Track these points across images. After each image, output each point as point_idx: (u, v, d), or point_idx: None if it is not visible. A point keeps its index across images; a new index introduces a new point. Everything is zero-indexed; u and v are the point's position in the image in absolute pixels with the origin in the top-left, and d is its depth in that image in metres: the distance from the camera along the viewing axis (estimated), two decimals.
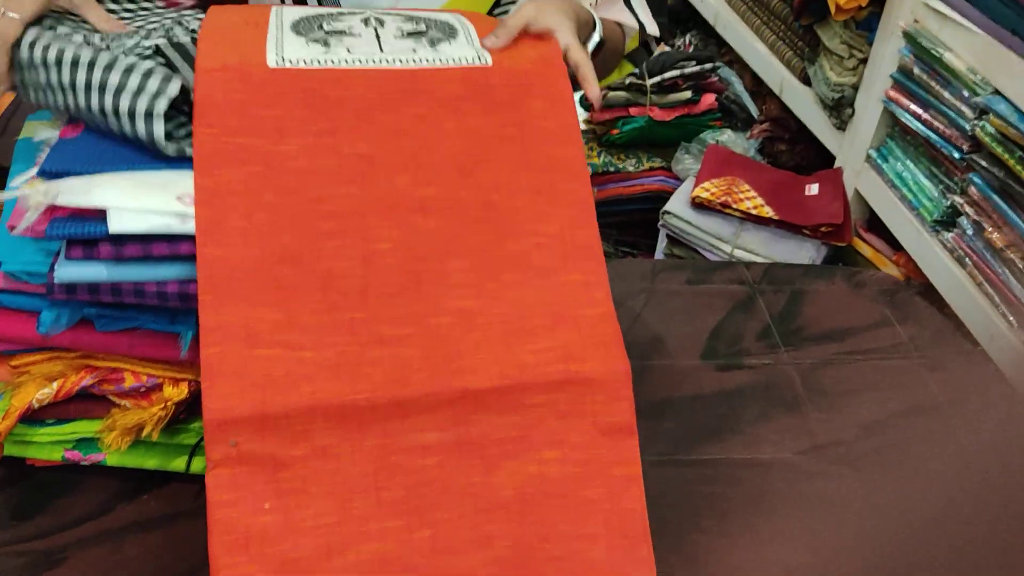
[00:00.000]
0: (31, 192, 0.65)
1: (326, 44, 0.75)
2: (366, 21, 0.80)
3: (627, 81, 2.01)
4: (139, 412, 0.74)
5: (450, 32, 0.79)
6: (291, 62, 0.72)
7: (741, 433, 0.89)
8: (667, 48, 2.57)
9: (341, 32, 0.77)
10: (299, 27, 0.77)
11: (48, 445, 0.77)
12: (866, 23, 1.72)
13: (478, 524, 0.67)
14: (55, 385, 0.73)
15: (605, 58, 0.97)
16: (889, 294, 1.12)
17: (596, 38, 0.86)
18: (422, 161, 0.72)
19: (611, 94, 2.03)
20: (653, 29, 1.01)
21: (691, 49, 2.56)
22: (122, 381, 0.74)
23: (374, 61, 0.75)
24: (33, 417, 0.74)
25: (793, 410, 0.93)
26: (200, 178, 0.66)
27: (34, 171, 0.71)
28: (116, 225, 0.64)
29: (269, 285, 0.67)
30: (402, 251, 0.70)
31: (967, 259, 1.44)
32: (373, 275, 0.69)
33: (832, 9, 1.69)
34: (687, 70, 2.02)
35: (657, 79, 2.01)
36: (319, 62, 0.73)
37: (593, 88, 0.79)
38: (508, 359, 0.69)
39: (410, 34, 0.78)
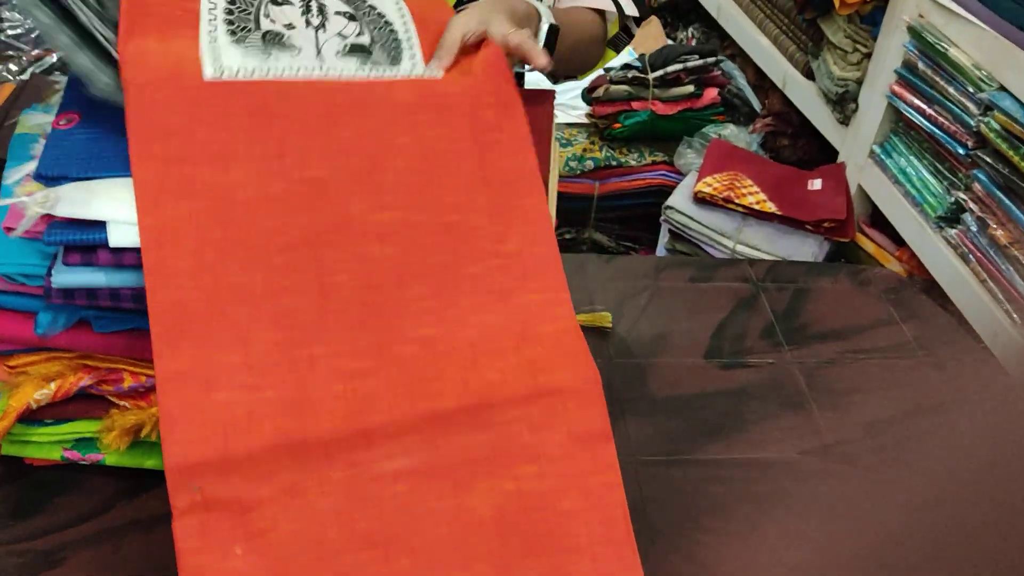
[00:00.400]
0: (28, 201, 0.64)
1: (266, 53, 0.72)
2: (306, 9, 0.77)
3: (630, 75, 2.01)
4: (138, 413, 0.74)
5: (393, 53, 0.77)
6: (230, 72, 0.69)
7: (745, 432, 0.89)
8: (668, 40, 2.56)
9: (279, 37, 0.74)
10: (234, 23, 0.74)
11: (47, 444, 0.76)
12: (870, 17, 1.71)
13: (457, 547, 0.65)
14: (53, 386, 0.72)
15: (578, 47, 0.96)
16: (893, 292, 1.11)
17: (544, 27, 0.85)
18: (376, 183, 0.70)
19: (613, 88, 2.02)
20: (631, 9, 1.00)
21: (693, 42, 2.55)
22: (121, 381, 0.73)
23: (320, 71, 0.72)
24: (32, 416, 0.74)
25: (797, 409, 0.92)
26: (144, 217, 0.63)
27: (30, 167, 0.71)
28: (116, 240, 0.64)
29: (224, 326, 0.64)
30: (359, 282, 0.68)
31: (971, 256, 1.44)
32: (331, 309, 0.67)
33: (836, 3, 1.68)
34: (690, 64, 2.02)
35: (660, 73, 2.00)
36: (261, 72, 0.70)
37: (539, 59, 0.78)
38: (474, 379, 0.68)
39: (353, 48, 0.76)
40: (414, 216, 0.70)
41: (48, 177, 0.66)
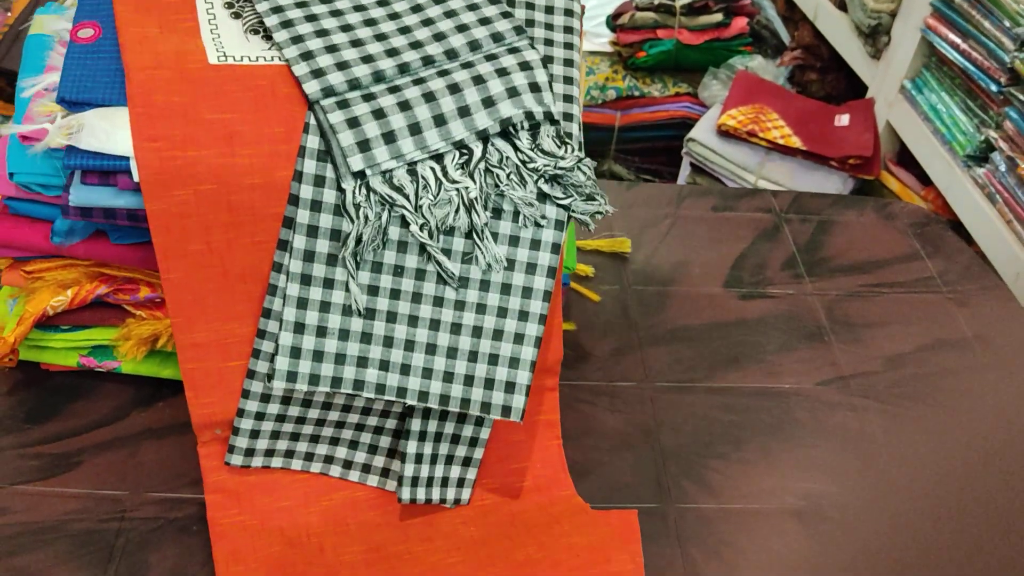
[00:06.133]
0: (52, 129, 0.63)
1: (267, 38, 0.69)
2: None
3: (656, 1, 1.96)
4: (154, 323, 0.74)
5: None
6: (235, 59, 0.67)
7: (762, 362, 0.88)
8: None
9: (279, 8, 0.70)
10: (232, 4, 0.72)
11: (63, 351, 0.77)
12: None
13: None
14: (69, 293, 0.72)
15: None
16: (919, 227, 1.09)
17: None
18: None
19: (638, 15, 1.97)
20: None
21: None
22: (137, 291, 0.73)
23: None
24: (48, 323, 0.74)
25: (816, 341, 0.91)
26: (151, 202, 0.63)
27: (45, 80, 0.69)
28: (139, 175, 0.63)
29: (235, 300, 0.67)
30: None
31: (998, 196, 1.41)
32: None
33: None
34: None
35: (687, 0, 1.96)
36: (266, 59, 0.68)
37: None
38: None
39: None
40: None
41: (71, 102, 0.64)
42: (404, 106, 0.65)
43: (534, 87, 0.67)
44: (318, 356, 0.66)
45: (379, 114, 0.64)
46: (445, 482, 0.73)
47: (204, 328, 0.68)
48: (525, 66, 0.67)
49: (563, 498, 0.74)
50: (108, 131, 0.62)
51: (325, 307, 0.66)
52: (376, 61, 0.67)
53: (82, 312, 0.74)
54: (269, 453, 0.72)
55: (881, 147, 1.75)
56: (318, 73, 0.66)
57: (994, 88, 1.40)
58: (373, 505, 0.73)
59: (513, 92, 0.66)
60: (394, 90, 0.66)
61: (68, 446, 0.74)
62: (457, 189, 0.65)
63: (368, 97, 0.65)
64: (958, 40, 1.50)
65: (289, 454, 0.72)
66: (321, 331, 0.66)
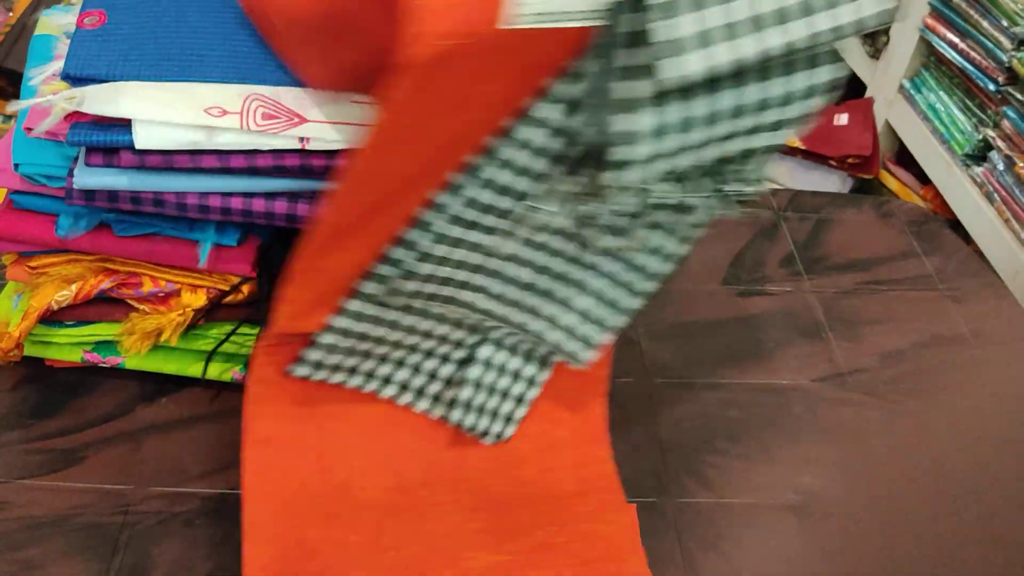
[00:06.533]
0: (55, 98, 0.64)
1: None
2: None
3: None
4: (157, 317, 0.74)
5: None
6: (533, 16, 0.53)
7: (760, 359, 0.89)
8: None
9: None
10: None
11: (67, 346, 0.77)
12: None
13: None
14: (74, 288, 0.72)
15: None
16: (917, 225, 1.10)
17: None
18: None
19: None
20: None
21: None
22: (140, 286, 0.74)
23: None
24: (52, 318, 0.75)
25: (813, 337, 0.92)
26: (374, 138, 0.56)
27: (54, 66, 0.70)
28: (143, 141, 0.63)
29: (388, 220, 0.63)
30: None
31: (995, 194, 1.42)
32: None
33: None
34: None
35: None
36: (559, 13, 0.54)
37: None
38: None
39: None
40: None
41: (75, 78, 0.65)
42: (710, 119, 0.57)
43: (798, 121, 0.62)
44: (442, 261, 0.65)
45: (686, 125, 0.56)
46: (494, 414, 0.74)
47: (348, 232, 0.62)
48: (809, 92, 0.60)
49: (596, 459, 0.75)
50: (112, 98, 0.63)
51: (491, 231, 0.64)
52: (738, 38, 0.51)
53: (86, 307, 0.75)
54: (335, 368, 0.72)
55: (880, 146, 1.76)
56: (676, 47, 0.50)
57: (992, 87, 1.42)
58: (407, 424, 0.74)
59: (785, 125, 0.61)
60: (712, 87, 0.55)
61: (72, 441, 0.75)
62: (661, 191, 0.63)
63: (689, 95, 0.55)
64: (956, 39, 1.51)
65: (352, 371, 0.73)
66: (456, 241, 0.64)
